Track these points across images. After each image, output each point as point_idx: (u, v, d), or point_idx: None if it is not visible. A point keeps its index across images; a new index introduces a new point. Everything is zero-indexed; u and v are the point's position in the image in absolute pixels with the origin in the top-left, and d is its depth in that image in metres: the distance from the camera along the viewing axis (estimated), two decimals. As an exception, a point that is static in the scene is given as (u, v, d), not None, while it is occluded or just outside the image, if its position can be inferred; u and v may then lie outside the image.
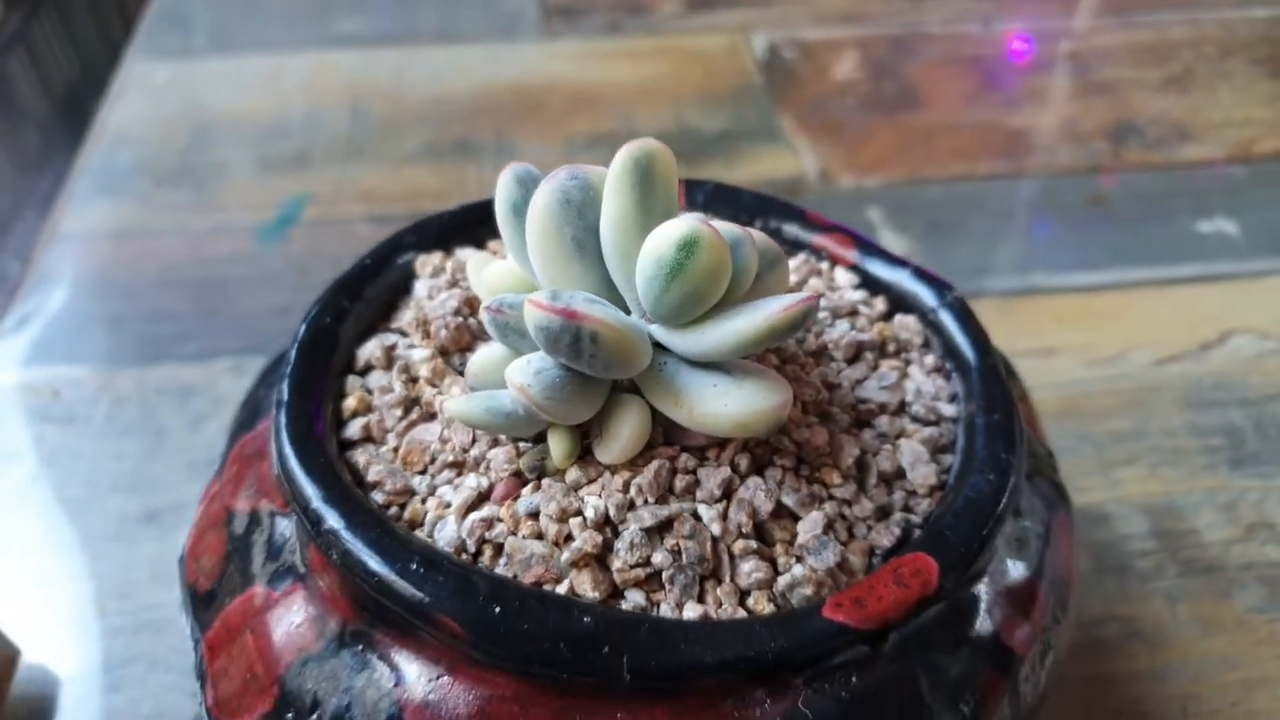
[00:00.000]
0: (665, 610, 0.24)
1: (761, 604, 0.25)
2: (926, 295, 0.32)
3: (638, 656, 0.23)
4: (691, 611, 0.24)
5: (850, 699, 0.24)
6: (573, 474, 0.26)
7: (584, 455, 0.26)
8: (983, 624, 0.26)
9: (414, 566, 0.23)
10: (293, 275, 0.55)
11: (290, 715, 0.24)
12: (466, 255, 0.33)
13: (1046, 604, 0.28)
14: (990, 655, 0.26)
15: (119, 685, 0.38)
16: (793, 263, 0.33)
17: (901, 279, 0.32)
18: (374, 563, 0.23)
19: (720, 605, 0.25)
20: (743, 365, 0.25)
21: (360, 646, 0.24)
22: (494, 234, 0.34)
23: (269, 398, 0.30)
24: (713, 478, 0.26)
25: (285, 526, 0.27)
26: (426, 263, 0.32)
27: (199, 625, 0.27)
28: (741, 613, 0.25)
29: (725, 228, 0.25)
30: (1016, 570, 0.27)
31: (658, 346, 0.26)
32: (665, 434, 0.27)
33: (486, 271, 0.28)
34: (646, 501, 0.25)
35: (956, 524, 0.25)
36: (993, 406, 0.28)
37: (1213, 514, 0.45)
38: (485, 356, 0.26)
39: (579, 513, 0.25)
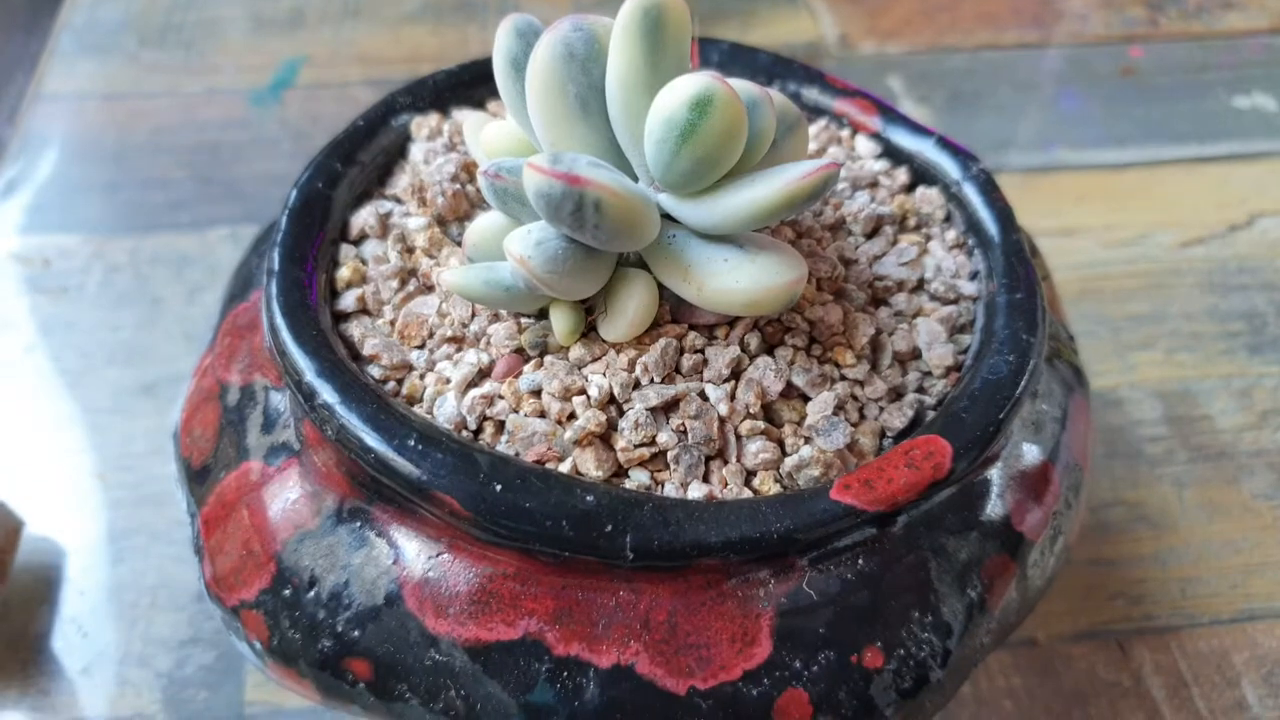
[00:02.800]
0: (670, 490, 0.24)
1: (768, 485, 0.24)
2: (950, 167, 0.30)
3: (641, 535, 0.22)
4: (696, 491, 0.24)
5: (856, 580, 0.24)
6: (576, 351, 0.25)
7: (588, 332, 0.25)
8: (994, 508, 0.26)
9: (413, 443, 0.22)
10: (289, 141, 0.53)
11: (288, 591, 0.24)
12: (464, 117, 0.31)
13: (1059, 489, 0.27)
14: (1000, 539, 0.26)
15: (122, 557, 0.38)
16: (812, 129, 0.32)
17: (925, 149, 0.31)
18: (371, 439, 0.22)
19: (726, 485, 0.24)
20: (756, 239, 0.24)
21: (358, 523, 0.24)
22: (494, 94, 0.32)
23: (261, 267, 0.29)
24: (721, 357, 0.25)
25: (279, 400, 0.26)
26: (422, 125, 0.31)
27: (194, 500, 0.27)
28: (747, 493, 0.24)
29: (742, 87, 0.23)
30: (1031, 454, 0.27)
31: (666, 218, 0.24)
32: (672, 311, 0.25)
33: (484, 132, 0.26)
34: (652, 380, 0.24)
35: (972, 406, 0.25)
36: (1015, 285, 0.27)
37: (1227, 400, 0.44)
38: (483, 225, 0.25)
39: (583, 391, 0.24)
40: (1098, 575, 0.38)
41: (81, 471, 0.40)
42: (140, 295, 0.46)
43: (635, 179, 0.24)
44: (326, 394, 0.23)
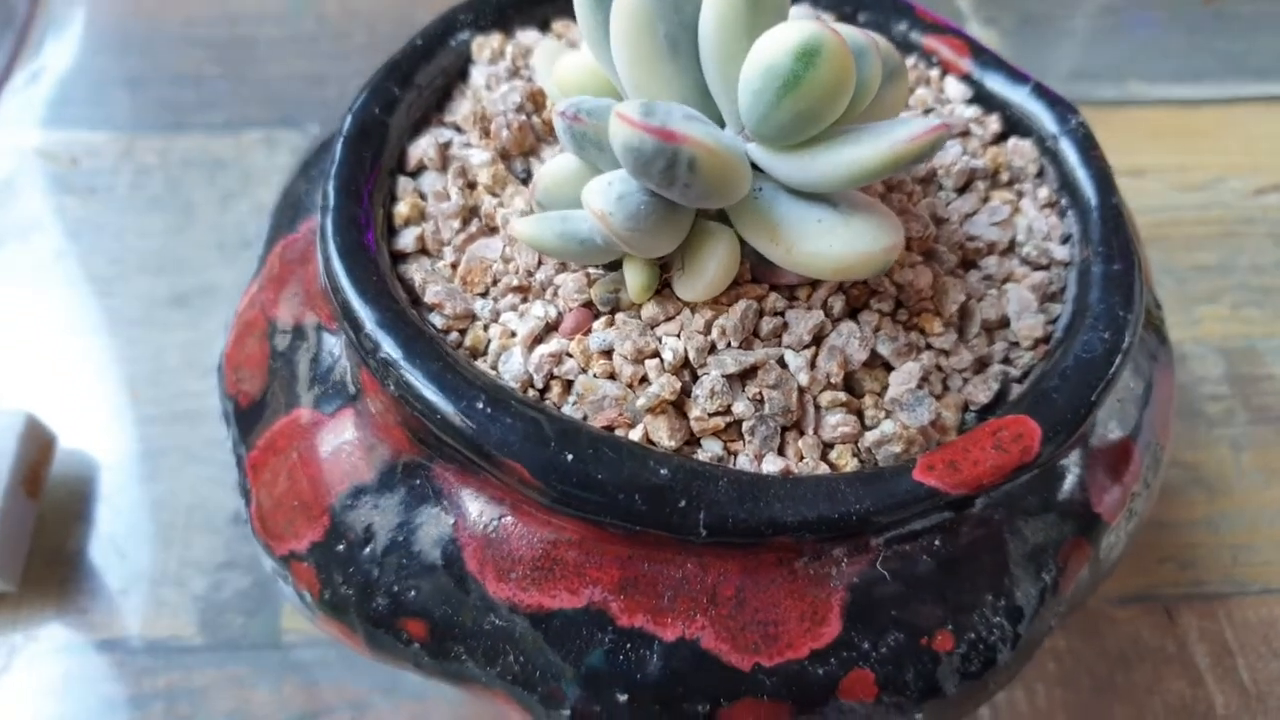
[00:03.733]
0: (744, 462, 0.23)
1: (845, 459, 0.23)
2: (1046, 119, 0.28)
3: (715, 512, 0.21)
4: (771, 464, 0.22)
5: (930, 561, 0.23)
6: (649, 309, 0.23)
7: (662, 289, 0.24)
8: (1073, 489, 0.25)
9: (481, 405, 0.21)
10: (327, 39, 0.51)
11: (341, 546, 0.23)
12: (529, 38, 0.29)
13: (1140, 468, 0.26)
14: (1077, 521, 0.25)
15: (156, 475, 0.37)
16: (898, 68, 0.30)
17: (1020, 97, 0.28)
18: (437, 399, 0.21)
19: (802, 459, 0.23)
20: (850, 197, 0.22)
21: (417, 480, 0.23)
22: (560, 13, 0.30)
23: (311, 194, 0.28)
24: (803, 322, 0.23)
25: (333, 343, 0.25)
26: (484, 45, 0.29)
27: (242, 442, 0.26)
28: (823, 468, 0.23)
29: (848, 32, 0.21)
30: (1113, 432, 0.25)
31: (755, 169, 0.22)
32: (753, 269, 0.24)
33: (559, 65, 0.24)
34: (729, 345, 0.23)
35: (1064, 385, 0.23)
36: (1112, 255, 0.25)
37: (1293, 360, 0.42)
38: (557, 170, 0.23)
39: (656, 354, 0.23)
40: (1149, 537, 0.38)
41: (113, 385, 0.39)
42: (172, 200, 0.44)
43: (722, 125, 0.22)
44: (389, 347, 0.22)
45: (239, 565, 0.35)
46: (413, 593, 0.23)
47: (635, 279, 0.23)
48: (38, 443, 0.35)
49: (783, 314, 0.24)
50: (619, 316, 0.23)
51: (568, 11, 0.30)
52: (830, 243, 0.22)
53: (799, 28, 0.20)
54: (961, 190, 0.27)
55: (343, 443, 0.24)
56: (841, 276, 0.22)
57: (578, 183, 0.23)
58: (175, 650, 0.34)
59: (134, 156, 0.46)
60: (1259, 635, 0.36)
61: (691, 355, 0.23)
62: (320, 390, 0.24)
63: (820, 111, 0.20)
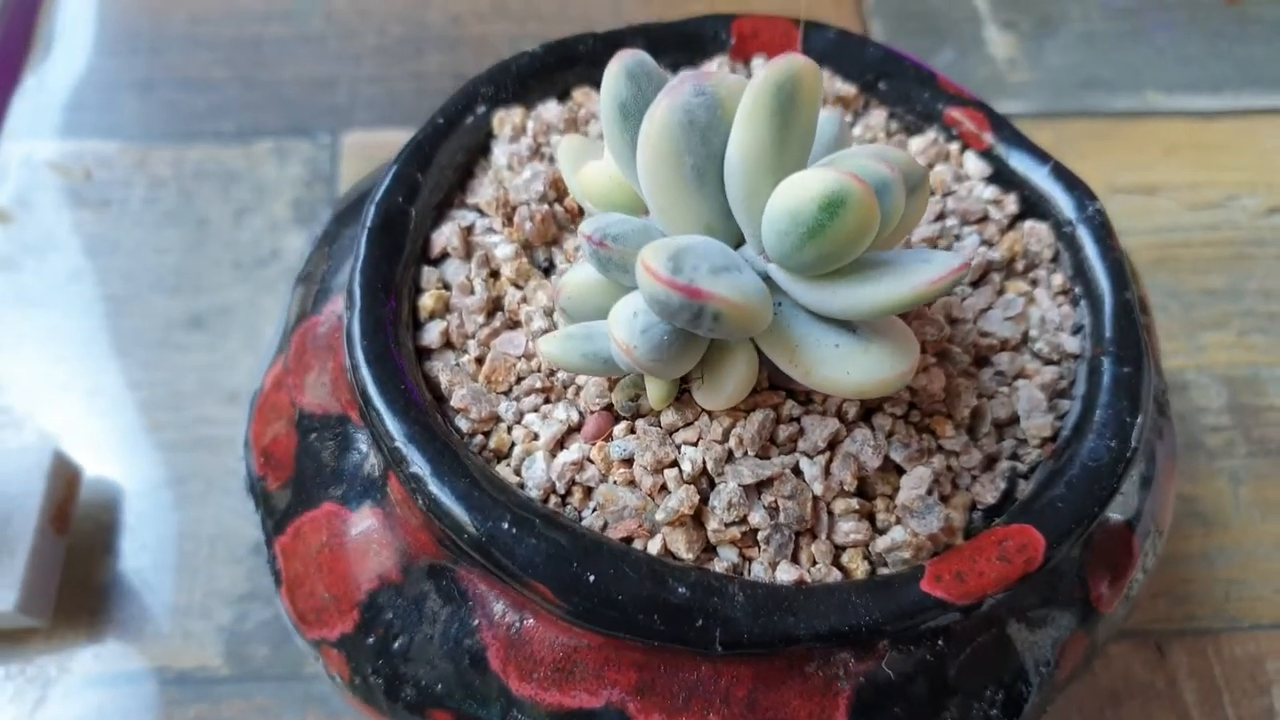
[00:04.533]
0: (758, 569, 0.23)
1: (856, 563, 0.24)
2: (1064, 203, 0.28)
3: (730, 629, 0.22)
4: (785, 573, 0.23)
5: (934, 660, 0.24)
6: (669, 416, 0.24)
7: (682, 393, 0.24)
8: (1072, 584, 0.25)
9: (505, 525, 0.22)
10: (336, 39, 0.50)
11: (371, 640, 0.24)
12: (550, 113, 0.29)
13: (1139, 559, 0.27)
14: (1076, 615, 0.26)
15: (179, 504, 0.38)
16: (921, 141, 0.30)
17: (1038, 178, 0.29)
18: (462, 516, 0.22)
19: (814, 564, 0.24)
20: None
21: (443, 581, 0.24)
22: (580, 80, 0.30)
23: (333, 273, 0.28)
24: (819, 429, 0.24)
25: (360, 440, 0.25)
26: (505, 121, 0.29)
27: (271, 524, 0.26)
28: (835, 574, 0.24)
29: (872, 171, 0.21)
30: (1114, 523, 0.26)
31: (774, 284, 0.23)
32: (770, 375, 0.25)
33: (585, 173, 0.24)
34: (746, 454, 0.24)
35: (1069, 495, 0.24)
36: (1123, 355, 0.26)
37: (1295, 390, 0.43)
38: (580, 282, 0.24)
39: (675, 464, 0.24)
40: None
41: (132, 411, 0.40)
42: (186, 214, 0.44)
43: (742, 242, 0.23)
44: (418, 464, 0.23)
45: (261, 596, 0.36)
46: (439, 686, 0.24)
47: (656, 390, 0.24)
48: (64, 478, 0.36)
49: (799, 419, 0.24)
50: (639, 423, 0.24)
51: (588, 78, 0.30)
52: (848, 369, 0.22)
53: (824, 178, 0.20)
54: (977, 284, 0.27)
55: (371, 541, 0.25)
56: (859, 397, 0.23)
57: (601, 293, 0.24)
58: (203, 681, 0.35)
59: (147, 168, 0.46)
60: (1246, 672, 0.37)
61: (709, 466, 0.23)
62: (348, 486, 0.25)
63: (843, 255, 0.21)
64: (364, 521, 0.25)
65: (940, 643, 0.24)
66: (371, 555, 0.25)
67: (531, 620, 0.23)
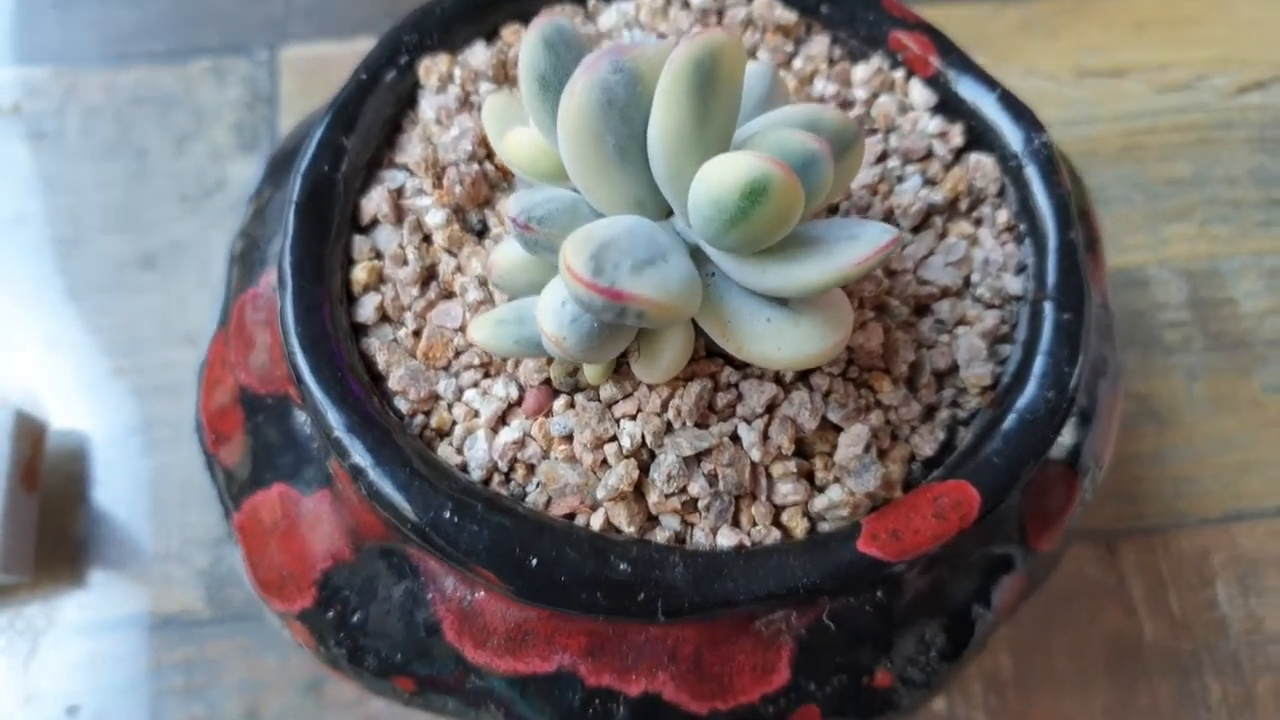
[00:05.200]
0: (700, 535, 0.24)
1: (796, 521, 0.24)
2: (1011, 134, 0.27)
3: (672, 599, 0.23)
4: (725, 538, 0.24)
5: (873, 610, 0.25)
6: (607, 390, 0.24)
7: (620, 365, 0.24)
8: (1011, 531, 0.26)
9: (447, 514, 0.22)
10: (264, -56, 0.48)
11: (331, 615, 0.25)
12: (478, 59, 0.28)
13: (1078, 497, 0.27)
14: (1015, 557, 0.26)
15: (147, 450, 0.38)
16: (865, 69, 0.29)
17: (985, 105, 0.28)
18: (405, 508, 0.22)
19: (755, 525, 0.24)
20: (801, 291, 0.22)
21: (394, 559, 0.24)
22: (509, 17, 0.29)
23: (269, 241, 0.27)
24: (756, 395, 0.24)
25: (304, 419, 0.25)
26: (431, 70, 0.27)
27: (229, 500, 0.27)
28: (775, 533, 0.24)
29: (796, 145, 0.21)
30: (1054, 465, 0.27)
31: (705, 257, 0.22)
32: (707, 343, 0.24)
33: (510, 140, 0.24)
34: (685, 424, 0.24)
35: (1005, 449, 0.24)
36: (1064, 300, 0.25)
37: (1255, 280, 0.43)
38: (510, 260, 0.23)
39: (614, 438, 0.24)
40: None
41: (92, 358, 0.40)
42: (124, 144, 0.43)
43: (670, 213, 0.22)
44: (358, 454, 0.23)
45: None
46: (399, 655, 0.25)
47: (592, 368, 0.24)
48: (29, 437, 0.36)
49: (737, 385, 0.24)
50: (578, 398, 0.24)
51: (516, 14, 0.29)
52: (779, 344, 0.22)
53: (745, 165, 0.19)
54: (918, 229, 0.27)
55: (321, 521, 0.25)
56: (791, 369, 0.23)
57: (532, 270, 0.23)
58: (186, 624, 0.36)
59: (79, 95, 0.44)
60: (1191, 566, 0.38)
61: (648, 439, 0.24)
62: (296, 467, 0.25)
63: (768, 238, 0.20)
64: (314, 503, 0.25)
65: (879, 593, 0.25)
66: (323, 535, 0.25)
67: (482, 594, 0.24)
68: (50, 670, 0.35)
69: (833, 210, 0.26)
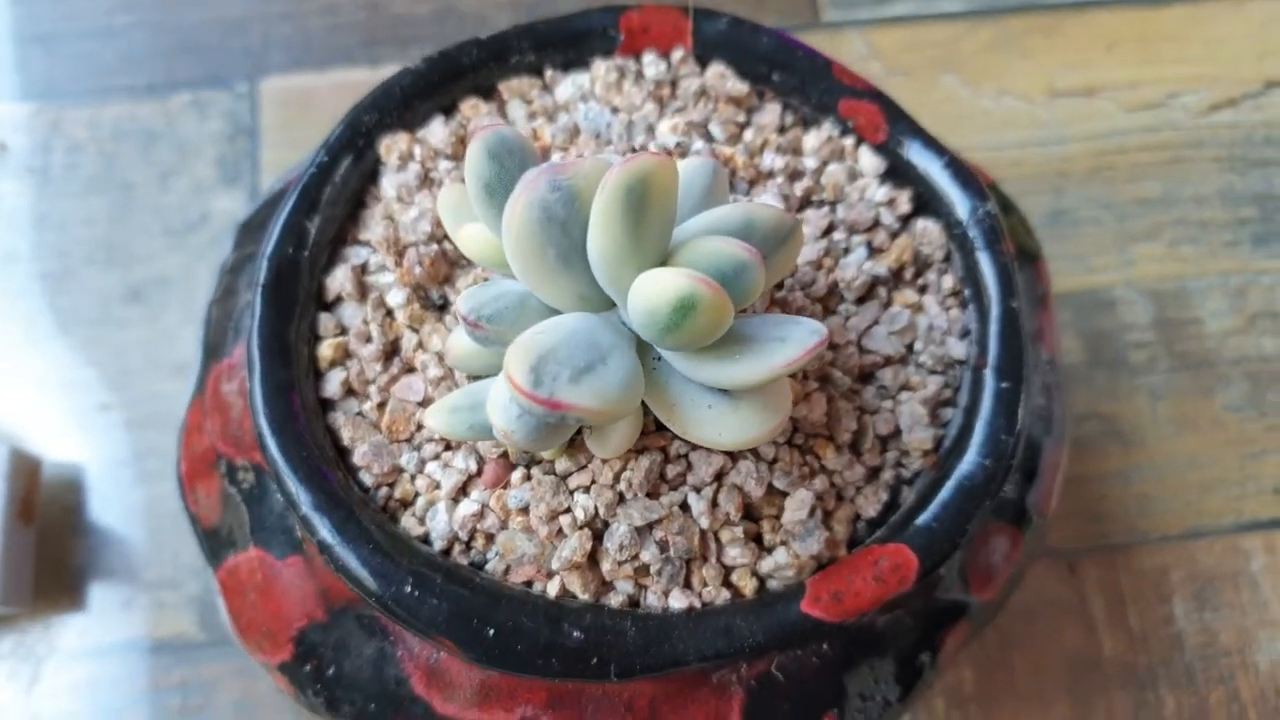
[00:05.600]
0: (652, 599, 0.25)
1: (745, 580, 0.26)
2: (958, 202, 0.28)
3: (624, 663, 0.24)
4: (677, 600, 0.25)
5: (819, 662, 0.26)
6: (563, 463, 0.25)
7: (575, 439, 0.25)
8: (952, 583, 0.27)
9: (408, 589, 0.24)
10: (242, -30, 0.48)
11: (307, 668, 0.27)
12: (436, 137, 0.29)
13: (1021, 550, 0.29)
14: (954, 609, 0.28)
15: (139, 481, 0.40)
16: (815, 138, 0.29)
17: (934, 172, 0.28)
18: (369, 583, 0.24)
19: (706, 585, 0.25)
20: (741, 376, 0.24)
21: (365, 620, 0.26)
22: (468, 91, 0.30)
23: (240, 314, 0.29)
24: (705, 465, 0.25)
25: (277, 489, 0.27)
26: (391, 148, 0.28)
27: (210, 556, 0.28)
28: (725, 594, 0.25)
29: (726, 255, 0.22)
30: (994, 526, 0.28)
31: (650, 346, 0.24)
32: (658, 421, 0.26)
33: (464, 234, 0.25)
34: (636, 496, 0.25)
35: (943, 514, 0.25)
36: (1005, 370, 0.26)
37: (1221, 300, 0.44)
38: (464, 347, 0.24)
39: (568, 510, 0.25)
40: (1061, 493, 0.41)
41: (81, 392, 0.41)
42: (109, 180, 0.44)
43: (614, 305, 0.23)
44: (324, 531, 0.24)
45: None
46: (373, 705, 0.26)
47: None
48: (24, 473, 0.38)
49: (686, 456, 0.26)
50: (534, 471, 0.25)
51: (474, 89, 0.29)
52: (719, 430, 0.23)
53: (675, 283, 0.20)
54: (862, 300, 0.28)
55: (296, 585, 0.26)
56: (734, 450, 0.24)
57: (485, 356, 0.24)
58: (181, 648, 0.38)
59: (63, 131, 0.45)
60: (1150, 583, 0.40)
61: (601, 510, 0.25)
62: (271, 534, 0.27)
63: (701, 342, 0.21)
64: (287, 567, 0.26)
65: (826, 646, 0.26)
66: (298, 597, 0.26)
67: (446, 653, 0.26)
68: (52, 694, 0.37)
69: (779, 287, 0.27)
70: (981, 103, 0.46)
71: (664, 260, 0.22)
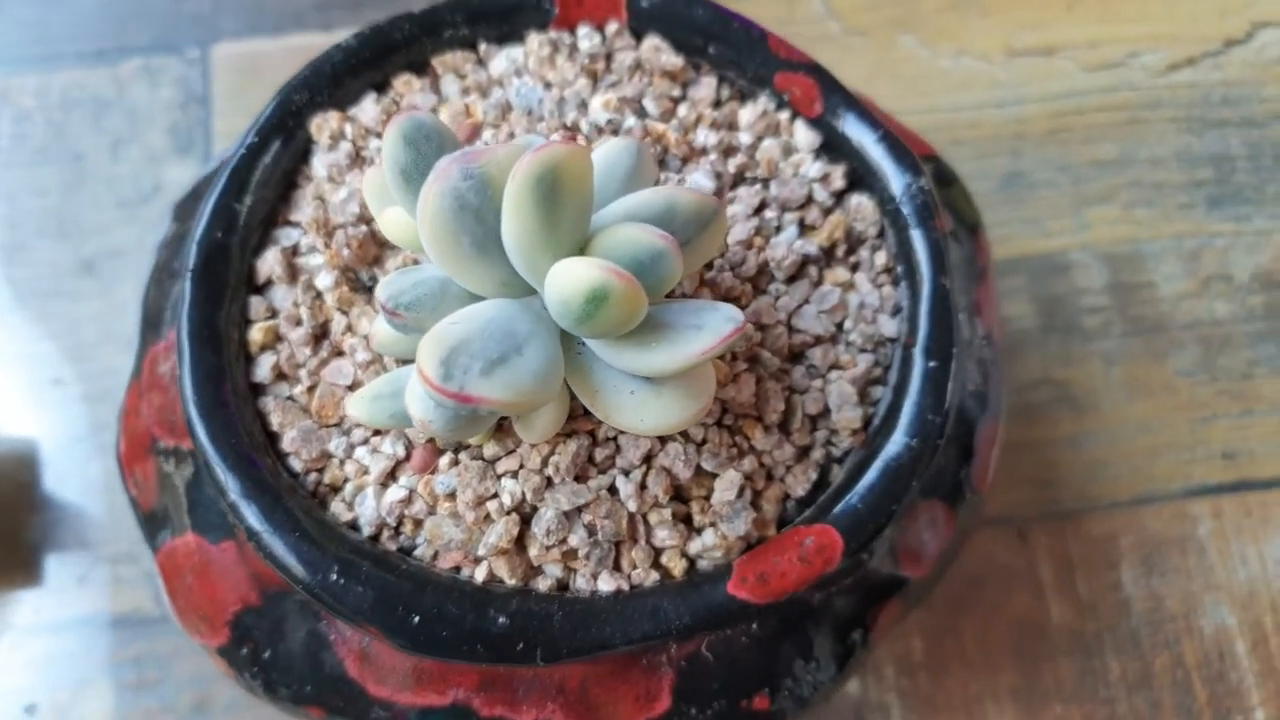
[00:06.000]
0: (581, 581, 0.26)
1: (674, 561, 0.26)
2: (892, 176, 0.28)
3: (550, 648, 0.24)
4: (605, 583, 0.25)
5: (748, 641, 0.27)
6: (490, 448, 0.25)
7: (502, 424, 0.25)
8: (882, 561, 0.28)
9: (334, 577, 0.24)
10: (190, -68, 0.47)
11: (244, 651, 0.27)
12: (367, 115, 0.28)
13: (954, 528, 0.29)
14: (885, 586, 0.28)
15: (94, 455, 0.40)
16: (750, 113, 0.29)
17: (868, 146, 0.28)
18: (296, 570, 0.24)
19: (635, 568, 0.26)
20: (663, 361, 0.24)
21: (299, 604, 0.26)
22: (400, 68, 0.29)
23: (175, 289, 0.28)
24: (633, 449, 0.25)
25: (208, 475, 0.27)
26: (322, 127, 0.28)
27: (149, 539, 0.28)
28: (654, 576, 0.26)
29: (642, 242, 0.21)
30: (926, 504, 0.28)
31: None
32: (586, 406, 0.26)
33: (387, 218, 0.24)
34: (564, 480, 0.25)
35: (869, 495, 0.26)
36: (934, 349, 0.26)
37: (1175, 264, 0.44)
38: (387, 334, 0.24)
39: (495, 496, 0.25)
40: (1012, 460, 0.41)
41: (36, 365, 0.41)
42: (59, 150, 0.44)
43: (534, 290, 0.23)
44: (252, 518, 0.24)
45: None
46: (309, 688, 0.27)
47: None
48: (-25, 449, 0.38)
49: (615, 439, 0.26)
50: (462, 456, 0.25)
51: (406, 65, 0.29)
52: (641, 416, 0.23)
53: (587, 274, 0.20)
54: (792, 279, 0.28)
55: (230, 570, 0.27)
56: (656, 435, 0.24)
57: (407, 342, 0.24)
58: (138, 623, 0.38)
59: (11, 99, 0.44)
60: (1099, 549, 0.40)
61: (528, 495, 0.25)
62: (205, 519, 0.27)
63: (616, 331, 0.21)
64: (221, 552, 0.27)
65: (755, 625, 0.27)
66: (232, 582, 0.27)
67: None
68: (8, 670, 0.38)
69: (708, 268, 0.27)
70: (940, 63, 0.46)
71: (581, 247, 0.22)
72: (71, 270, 0.42)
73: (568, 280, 0.21)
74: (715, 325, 0.22)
